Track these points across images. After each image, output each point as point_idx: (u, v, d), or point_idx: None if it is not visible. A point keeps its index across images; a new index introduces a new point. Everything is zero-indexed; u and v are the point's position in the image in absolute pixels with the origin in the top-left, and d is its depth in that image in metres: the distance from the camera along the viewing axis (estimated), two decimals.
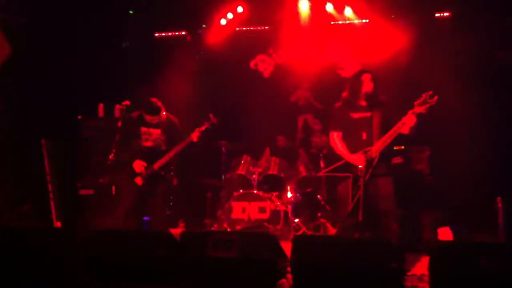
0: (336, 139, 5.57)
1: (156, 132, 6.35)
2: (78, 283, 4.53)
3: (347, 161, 5.42)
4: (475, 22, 7.98)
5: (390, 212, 5.36)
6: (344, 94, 5.57)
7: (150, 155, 6.32)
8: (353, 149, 5.41)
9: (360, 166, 5.22)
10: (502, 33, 7.90)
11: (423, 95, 5.11)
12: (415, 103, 5.13)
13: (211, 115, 6.43)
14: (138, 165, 6.25)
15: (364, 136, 5.34)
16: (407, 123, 5.16)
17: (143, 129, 6.34)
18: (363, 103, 5.43)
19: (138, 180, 6.25)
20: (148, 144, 6.36)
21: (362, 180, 5.16)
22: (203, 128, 6.37)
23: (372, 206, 5.26)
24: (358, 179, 5.22)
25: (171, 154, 6.30)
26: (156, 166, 6.28)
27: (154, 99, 6.33)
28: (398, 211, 5.51)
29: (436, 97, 5.07)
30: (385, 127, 5.29)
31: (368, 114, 5.38)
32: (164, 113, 6.39)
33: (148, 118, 6.29)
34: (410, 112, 5.15)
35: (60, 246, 4.67)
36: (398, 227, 5.36)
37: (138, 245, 4.60)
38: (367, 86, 5.41)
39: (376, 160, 5.21)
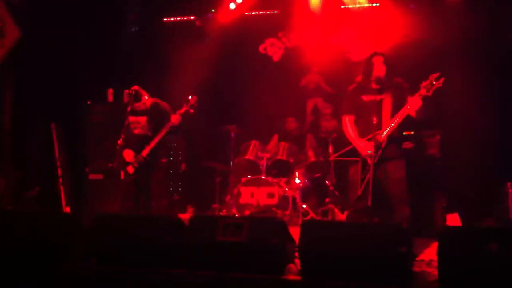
0: (348, 123, 5.53)
1: (143, 119, 6.37)
2: (86, 267, 4.56)
3: (355, 146, 5.41)
4: (485, 4, 7.88)
5: (402, 196, 5.29)
6: (358, 77, 5.53)
7: (140, 143, 6.35)
8: (363, 133, 5.37)
9: (369, 152, 5.19)
10: None
11: (429, 77, 5.07)
12: (421, 85, 5.08)
13: (190, 97, 6.41)
14: (127, 154, 6.30)
15: (375, 119, 5.25)
16: (412, 106, 5.11)
17: (131, 118, 6.38)
18: (374, 86, 5.34)
19: (130, 169, 6.31)
20: (137, 131, 6.39)
21: (371, 165, 5.13)
22: (182, 110, 6.35)
23: (383, 190, 5.23)
24: (367, 164, 5.21)
25: (156, 140, 6.31)
26: (144, 153, 6.30)
27: (135, 87, 6.36)
28: (409, 196, 5.44)
29: (442, 79, 5.01)
30: (396, 111, 5.24)
31: (378, 97, 5.30)
32: (146, 97, 6.40)
33: (135, 105, 6.32)
34: (416, 94, 5.11)
35: (68, 230, 4.71)
36: (410, 211, 5.30)
37: (146, 229, 4.62)
38: (378, 69, 5.34)
39: (384, 144, 5.17)
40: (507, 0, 7.72)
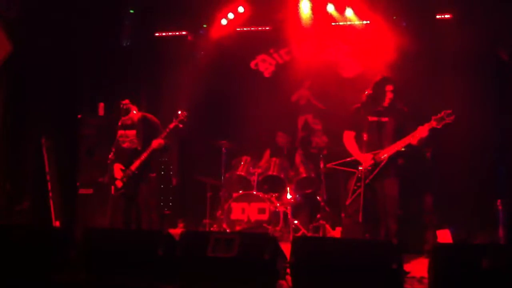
0: (349, 137, 5.82)
1: (131, 133, 6.37)
2: (74, 281, 4.53)
3: (355, 158, 5.64)
4: (476, 23, 7.96)
5: (393, 213, 5.52)
6: (364, 96, 5.63)
7: (129, 157, 6.33)
8: (365, 151, 5.57)
9: (361, 168, 5.46)
10: (503, 33, 7.87)
11: (442, 112, 5.28)
12: (433, 117, 5.32)
13: (179, 112, 6.38)
14: (117, 168, 6.28)
15: (378, 139, 5.55)
16: (419, 134, 5.38)
17: (120, 131, 6.38)
18: (381, 108, 5.64)
19: (118, 183, 6.28)
20: (126, 145, 6.37)
21: (362, 180, 5.37)
22: (171, 125, 6.32)
23: (375, 205, 5.38)
24: (362, 177, 5.42)
25: (145, 154, 6.27)
26: (133, 167, 6.28)
27: (125, 100, 6.35)
28: (399, 212, 5.59)
29: (453, 116, 5.25)
30: (398, 133, 5.52)
31: (384, 119, 5.60)
32: (135, 112, 6.40)
33: (123, 119, 6.31)
34: (426, 125, 5.35)
35: (59, 245, 4.68)
36: (398, 227, 5.48)
37: (137, 244, 4.59)
38: (389, 96, 5.60)
39: (383, 163, 5.38)
40: (497, 21, 7.80)
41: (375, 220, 5.46)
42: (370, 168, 5.45)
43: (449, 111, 5.25)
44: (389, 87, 5.61)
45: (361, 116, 5.65)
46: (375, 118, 5.61)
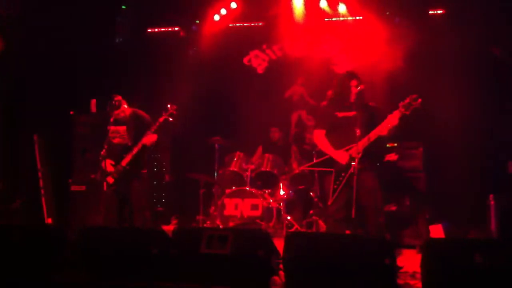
0: (319, 136, 5.70)
1: (122, 129, 6.35)
2: (69, 280, 4.52)
3: (330, 156, 5.53)
4: (468, 19, 7.98)
5: (376, 206, 5.44)
6: (330, 93, 5.64)
7: (120, 152, 6.32)
8: (336, 147, 5.53)
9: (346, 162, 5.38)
10: (496, 29, 7.89)
11: (408, 98, 5.19)
12: (400, 104, 5.22)
13: (169, 105, 6.37)
14: (108, 165, 6.27)
15: (348, 134, 5.42)
16: (390, 122, 5.28)
17: (111, 127, 6.35)
18: (348, 103, 5.55)
19: (109, 179, 6.26)
20: (116, 141, 6.36)
21: (344, 176, 5.35)
22: (161, 119, 6.32)
23: (358, 201, 5.32)
24: (340, 174, 5.39)
25: (135, 150, 6.26)
26: (124, 163, 6.27)
27: (114, 95, 6.34)
28: (384, 205, 5.55)
29: (420, 100, 5.16)
30: (369, 126, 5.40)
31: (352, 113, 5.47)
32: (126, 106, 6.38)
33: (114, 114, 6.29)
34: (394, 113, 5.25)
35: (51, 243, 4.66)
36: (384, 220, 5.45)
37: (130, 242, 4.58)
38: (354, 91, 5.49)
39: (358, 157, 5.26)
40: (489, 15, 7.82)
41: (361, 217, 5.42)
42: (346, 164, 5.37)
43: (414, 96, 5.15)
44: (353, 82, 5.50)
45: (330, 113, 5.62)
46: (343, 114, 5.55)
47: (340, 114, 5.56)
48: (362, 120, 5.34)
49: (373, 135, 5.33)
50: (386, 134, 5.34)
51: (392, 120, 5.25)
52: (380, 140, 5.40)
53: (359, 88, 5.42)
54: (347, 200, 5.29)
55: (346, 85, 5.54)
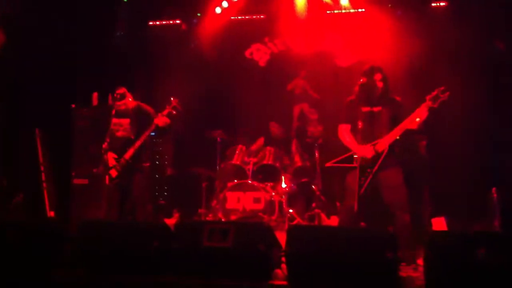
0: (344, 131, 5.62)
1: (125, 121, 6.33)
2: (69, 278, 4.51)
3: (354, 152, 5.46)
4: (471, 11, 7.94)
5: (401, 203, 5.33)
6: (357, 87, 5.57)
7: (123, 145, 6.30)
8: (361, 142, 5.45)
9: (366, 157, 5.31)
10: (498, 22, 7.85)
11: (435, 90, 5.12)
12: (427, 97, 5.14)
13: (172, 98, 6.37)
14: (110, 158, 6.25)
15: (373, 129, 5.38)
16: (420, 116, 5.19)
17: (115, 120, 6.34)
18: (373, 98, 5.48)
19: (113, 172, 6.25)
20: (119, 134, 6.34)
21: (370, 172, 5.25)
22: (165, 112, 6.30)
23: (383, 197, 5.28)
24: (365, 170, 5.29)
25: (139, 142, 6.25)
26: (127, 156, 6.25)
27: (121, 90, 6.33)
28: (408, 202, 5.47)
29: (448, 93, 5.09)
30: (393, 122, 5.35)
31: (378, 108, 5.44)
32: (130, 99, 6.37)
33: (116, 106, 6.29)
34: (423, 105, 5.16)
35: (53, 237, 4.65)
36: (410, 218, 5.32)
37: (133, 235, 4.58)
38: (379, 85, 5.45)
39: (385, 152, 5.24)
40: (491, 7, 7.78)
41: (385, 214, 5.36)
42: (371, 159, 5.28)
43: (442, 88, 5.09)
44: (377, 76, 5.46)
45: (355, 108, 5.54)
46: (368, 109, 5.48)
47: (365, 109, 5.48)
48: (387, 116, 5.33)
49: (399, 129, 5.25)
50: (415, 128, 5.24)
51: (421, 113, 5.16)
52: (407, 135, 5.34)
53: (382, 82, 5.39)
54: (372, 196, 5.22)
55: (371, 79, 5.46)
